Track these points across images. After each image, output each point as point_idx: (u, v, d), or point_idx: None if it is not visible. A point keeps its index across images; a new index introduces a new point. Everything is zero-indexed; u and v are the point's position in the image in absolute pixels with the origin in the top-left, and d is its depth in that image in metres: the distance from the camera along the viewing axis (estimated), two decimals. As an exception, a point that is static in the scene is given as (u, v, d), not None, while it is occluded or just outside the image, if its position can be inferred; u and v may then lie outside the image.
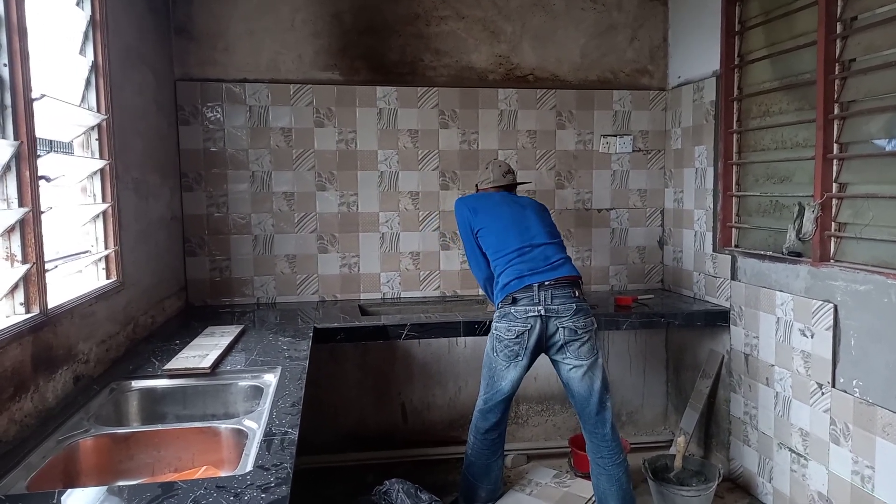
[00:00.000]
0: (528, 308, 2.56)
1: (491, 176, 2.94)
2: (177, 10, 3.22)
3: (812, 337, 2.54)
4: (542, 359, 2.70)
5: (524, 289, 2.58)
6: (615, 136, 3.66)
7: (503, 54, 3.55)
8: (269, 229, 3.39)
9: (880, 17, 2.29)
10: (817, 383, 2.52)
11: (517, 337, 2.58)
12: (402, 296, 3.55)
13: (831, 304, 2.44)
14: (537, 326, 2.56)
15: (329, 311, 3.23)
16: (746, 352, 2.98)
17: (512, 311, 2.59)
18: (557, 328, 2.55)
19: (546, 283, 2.57)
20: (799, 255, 2.65)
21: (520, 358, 2.60)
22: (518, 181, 3.03)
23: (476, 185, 3.07)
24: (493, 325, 2.68)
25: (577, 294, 2.60)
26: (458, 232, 3.53)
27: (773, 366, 2.79)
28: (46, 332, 1.76)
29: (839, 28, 2.46)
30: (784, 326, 2.71)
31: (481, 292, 3.25)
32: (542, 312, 2.55)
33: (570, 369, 2.58)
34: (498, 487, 2.86)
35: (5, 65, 1.63)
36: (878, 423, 2.23)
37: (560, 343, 2.57)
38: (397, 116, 3.45)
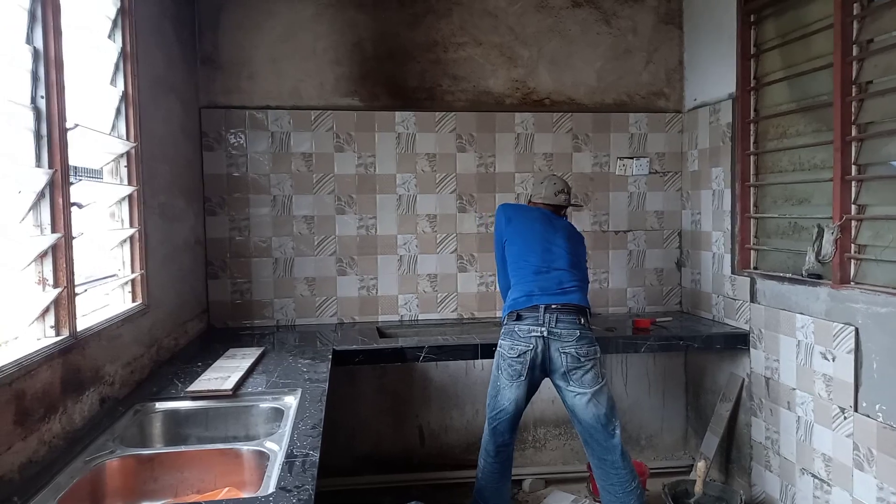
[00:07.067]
0: (531, 327, 2.58)
1: (543, 192, 2.92)
2: (203, 40, 3.33)
3: (833, 360, 2.51)
4: (560, 382, 2.69)
5: (531, 308, 2.61)
6: (632, 158, 3.67)
7: (520, 79, 3.60)
8: (289, 252, 3.44)
9: (896, 41, 2.30)
10: (839, 407, 2.49)
11: (519, 356, 2.59)
12: (419, 318, 3.58)
13: (852, 327, 2.41)
14: (539, 347, 2.57)
15: (347, 333, 3.25)
16: (767, 375, 2.95)
17: (515, 328, 2.62)
18: (559, 353, 2.56)
19: (553, 305, 2.60)
20: (819, 277, 2.63)
21: (522, 378, 2.60)
22: (573, 202, 3.03)
23: (529, 198, 3.05)
24: (499, 342, 2.70)
25: (581, 321, 2.61)
26: (474, 254, 3.59)
27: (794, 389, 2.76)
28: (75, 354, 1.81)
29: (855, 51, 2.47)
30: (805, 349, 2.68)
31: (499, 314, 3.26)
32: (545, 334, 2.57)
33: (575, 396, 2.59)
34: None
35: (42, 97, 1.71)
36: (903, 448, 2.20)
37: (563, 370, 2.57)
38: (415, 141, 3.50)
